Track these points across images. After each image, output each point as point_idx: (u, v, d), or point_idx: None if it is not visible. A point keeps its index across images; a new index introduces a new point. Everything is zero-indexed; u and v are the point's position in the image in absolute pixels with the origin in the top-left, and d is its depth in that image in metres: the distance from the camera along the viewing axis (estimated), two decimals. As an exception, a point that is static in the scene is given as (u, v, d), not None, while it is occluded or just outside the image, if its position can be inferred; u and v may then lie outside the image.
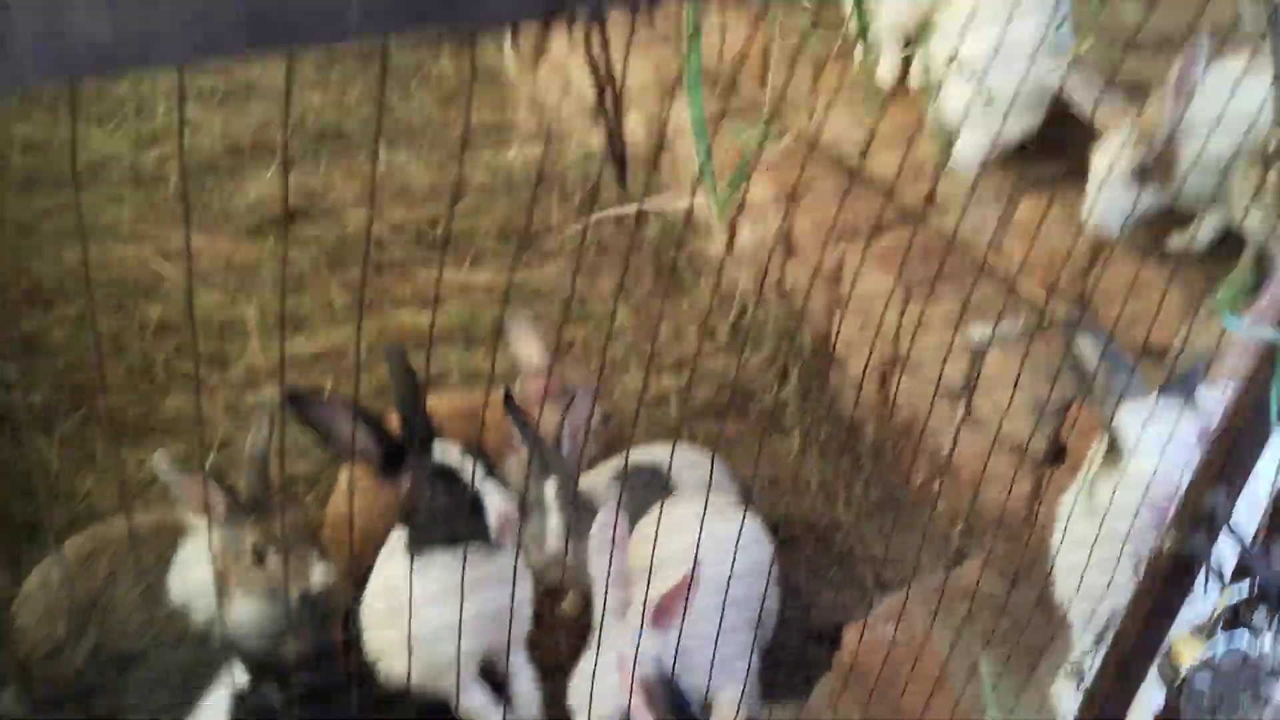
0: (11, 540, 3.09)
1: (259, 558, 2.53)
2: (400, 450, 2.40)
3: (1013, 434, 3.29)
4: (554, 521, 2.70)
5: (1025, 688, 2.25)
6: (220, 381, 3.77)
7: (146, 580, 2.61)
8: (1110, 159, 2.82)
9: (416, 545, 2.41)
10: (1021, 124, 3.39)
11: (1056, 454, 3.25)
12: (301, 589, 2.51)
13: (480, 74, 5.72)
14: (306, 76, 5.49)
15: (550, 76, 5.22)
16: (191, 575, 2.60)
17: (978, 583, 2.68)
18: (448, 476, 2.35)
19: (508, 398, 2.85)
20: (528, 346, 3.21)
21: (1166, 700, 1.80)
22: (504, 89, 5.59)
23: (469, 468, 2.33)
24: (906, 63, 3.81)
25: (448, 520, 2.35)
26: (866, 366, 3.71)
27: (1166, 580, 1.69)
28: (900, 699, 2.37)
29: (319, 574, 2.53)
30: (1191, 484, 1.64)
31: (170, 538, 2.64)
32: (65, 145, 4.85)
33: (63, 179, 4.60)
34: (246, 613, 2.57)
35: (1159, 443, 2.06)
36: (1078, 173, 3.29)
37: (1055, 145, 3.40)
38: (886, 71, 3.82)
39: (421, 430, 2.36)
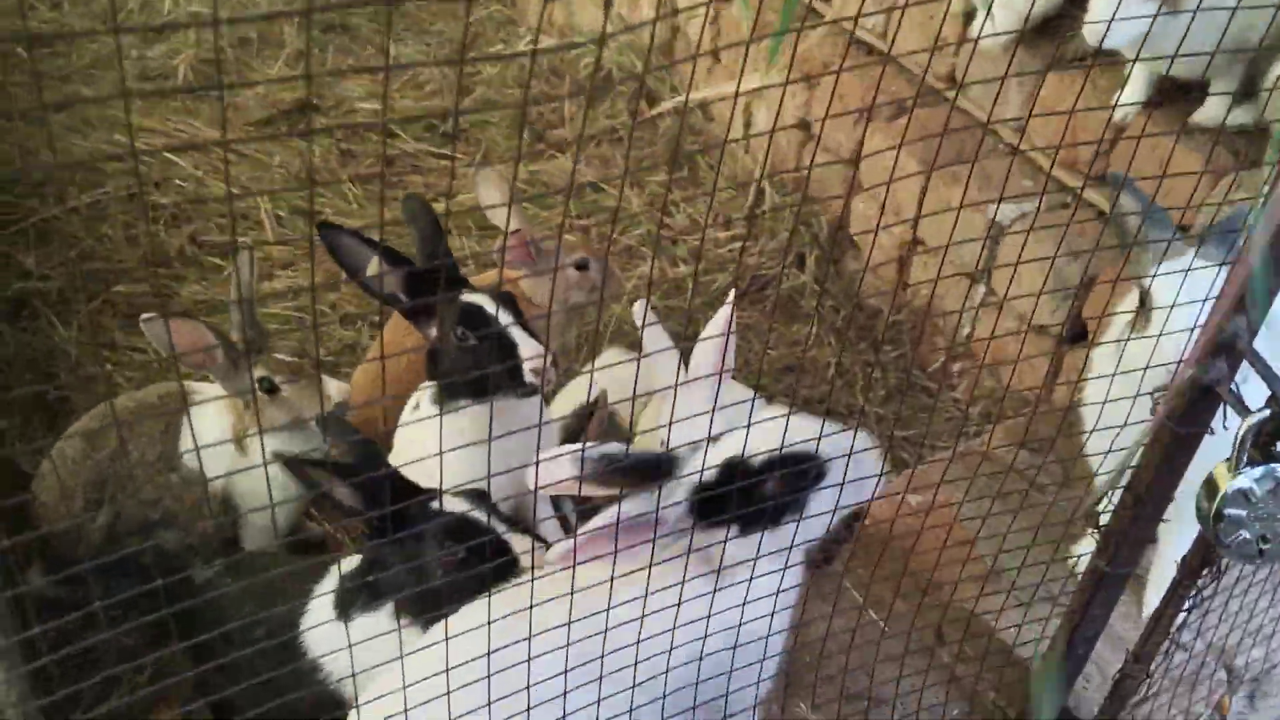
0: (35, 422, 3.11)
1: (269, 391, 2.52)
2: (429, 295, 2.33)
3: (1036, 315, 3.27)
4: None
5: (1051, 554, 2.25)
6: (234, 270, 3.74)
7: (157, 448, 2.61)
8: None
9: (446, 393, 2.38)
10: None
11: (1078, 333, 3.23)
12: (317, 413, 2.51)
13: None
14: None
15: (561, -34, 5.11)
16: (202, 435, 2.59)
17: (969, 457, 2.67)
18: (478, 319, 2.30)
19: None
20: (492, 199, 3.08)
21: (1196, 539, 1.80)
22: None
23: (499, 314, 2.30)
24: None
25: (478, 364, 2.30)
26: (866, 248, 3.67)
27: (1185, 411, 1.67)
28: (920, 561, 2.38)
29: (334, 390, 2.53)
30: (1212, 313, 1.62)
31: (176, 405, 2.64)
32: (73, 41, 4.79)
33: (69, 73, 4.55)
34: (269, 455, 2.55)
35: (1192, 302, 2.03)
36: (1104, 51, 3.22)
37: (1081, 23, 3.33)
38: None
39: (449, 272, 2.33)
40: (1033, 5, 3.26)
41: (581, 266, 3.17)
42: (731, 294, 2.43)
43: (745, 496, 1.78)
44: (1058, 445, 2.80)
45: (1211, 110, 3.09)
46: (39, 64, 4.48)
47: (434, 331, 2.39)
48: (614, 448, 1.81)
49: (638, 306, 2.45)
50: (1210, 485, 1.62)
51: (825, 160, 3.82)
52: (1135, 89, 3.11)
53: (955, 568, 2.30)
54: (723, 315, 2.40)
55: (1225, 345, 1.61)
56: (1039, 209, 3.30)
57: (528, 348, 2.30)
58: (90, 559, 2.57)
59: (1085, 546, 2.42)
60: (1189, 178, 2.86)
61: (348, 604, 2.24)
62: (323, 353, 3.47)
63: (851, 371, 3.58)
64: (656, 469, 1.82)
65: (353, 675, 2.07)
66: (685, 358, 2.44)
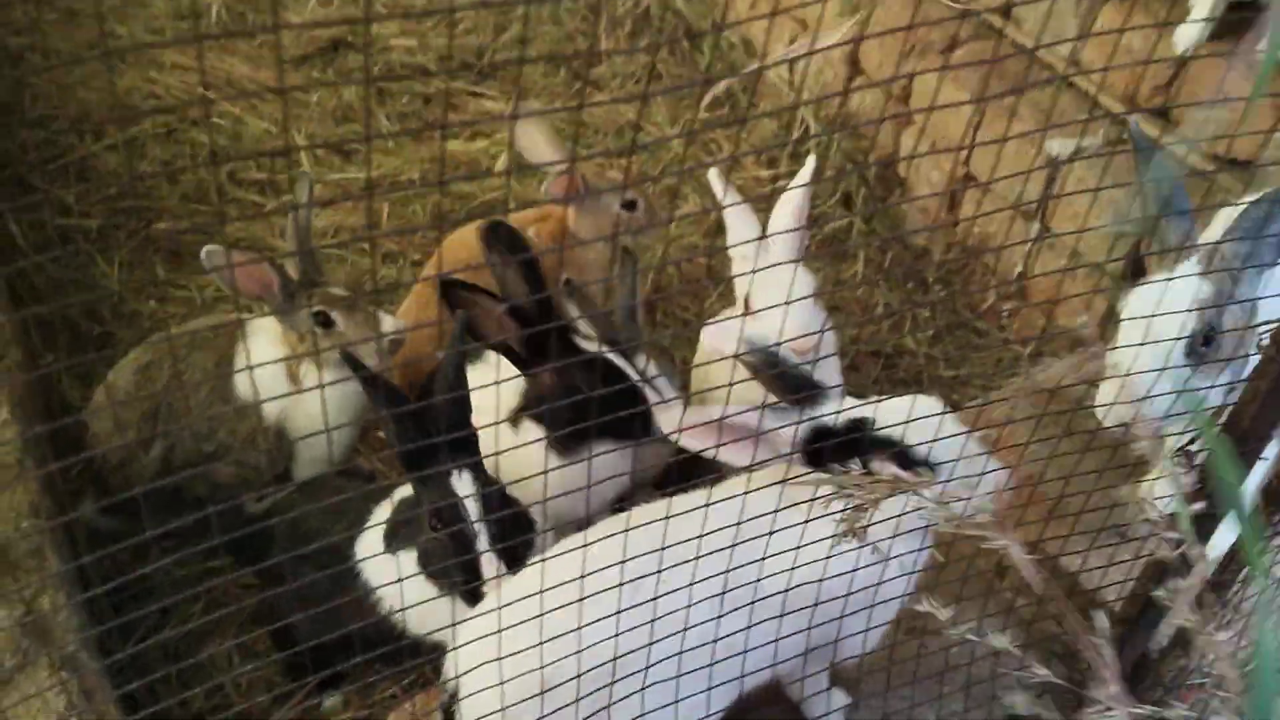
0: (81, 355, 3.10)
1: (325, 324, 2.50)
2: (540, 341, 2.26)
3: (1089, 252, 3.21)
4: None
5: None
6: (274, 206, 3.72)
7: (211, 380, 2.59)
8: None
9: (572, 438, 2.27)
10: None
11: (1137, 271, 3.15)
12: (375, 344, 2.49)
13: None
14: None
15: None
16: (256, 367, 2.58)
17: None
18: (612, 372, 2.26)
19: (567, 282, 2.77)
20: (535, 141, 3.04)
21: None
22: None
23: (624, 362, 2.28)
24: None
25: (607, 411, 2.12)
26: (915, 186, 3.61)
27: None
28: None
29: (389, 324, 2.51)
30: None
31: (230, 337, 2.62)
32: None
33: (104, 10, 4.49)
34: (324, 391, 2.52)
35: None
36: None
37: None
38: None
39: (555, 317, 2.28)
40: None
41: (628, 206, 3.13)
42: (811, 159, 2.43)
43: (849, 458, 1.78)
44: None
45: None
46: (73, 2, 4.43)
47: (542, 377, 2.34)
48: (781, 351, 1.87)
49: (714, 173, 2.50)
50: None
51: (875, 99, 3.75)
52: (1200, 10, 3.02)
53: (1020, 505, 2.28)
54: (806, 170, 2.43)
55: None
56: (1098, 143, 3.23)
57: (665, 394, 2.29)
58: (144, 490, 2.59)
59: (1161, 488, 2.39)
60: (1252, 111, 2.79)
61: (396, 537, 2.23)
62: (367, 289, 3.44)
63: (899, 312, 3.53)
64: (802, 390, 1.85)
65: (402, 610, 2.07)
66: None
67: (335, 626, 2.03)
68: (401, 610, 2.16)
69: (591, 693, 1.69)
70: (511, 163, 3.55)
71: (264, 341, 2.61)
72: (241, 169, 3.83)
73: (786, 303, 2.19)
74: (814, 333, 2.28)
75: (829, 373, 2.40)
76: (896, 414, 1.80)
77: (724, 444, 1.78)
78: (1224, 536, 2.23)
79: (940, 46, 3.58)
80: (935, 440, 1.79)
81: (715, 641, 1.73)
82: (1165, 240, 2.08)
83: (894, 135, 3.68)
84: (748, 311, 2.33)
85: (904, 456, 1.79)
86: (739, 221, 2.43)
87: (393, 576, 2.05)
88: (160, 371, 2.61)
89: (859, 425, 1.81)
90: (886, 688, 2.10)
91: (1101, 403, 2.06)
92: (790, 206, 2.43)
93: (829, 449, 1.79)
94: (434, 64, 4.43)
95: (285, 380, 2.60)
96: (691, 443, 1.80)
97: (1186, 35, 3.07)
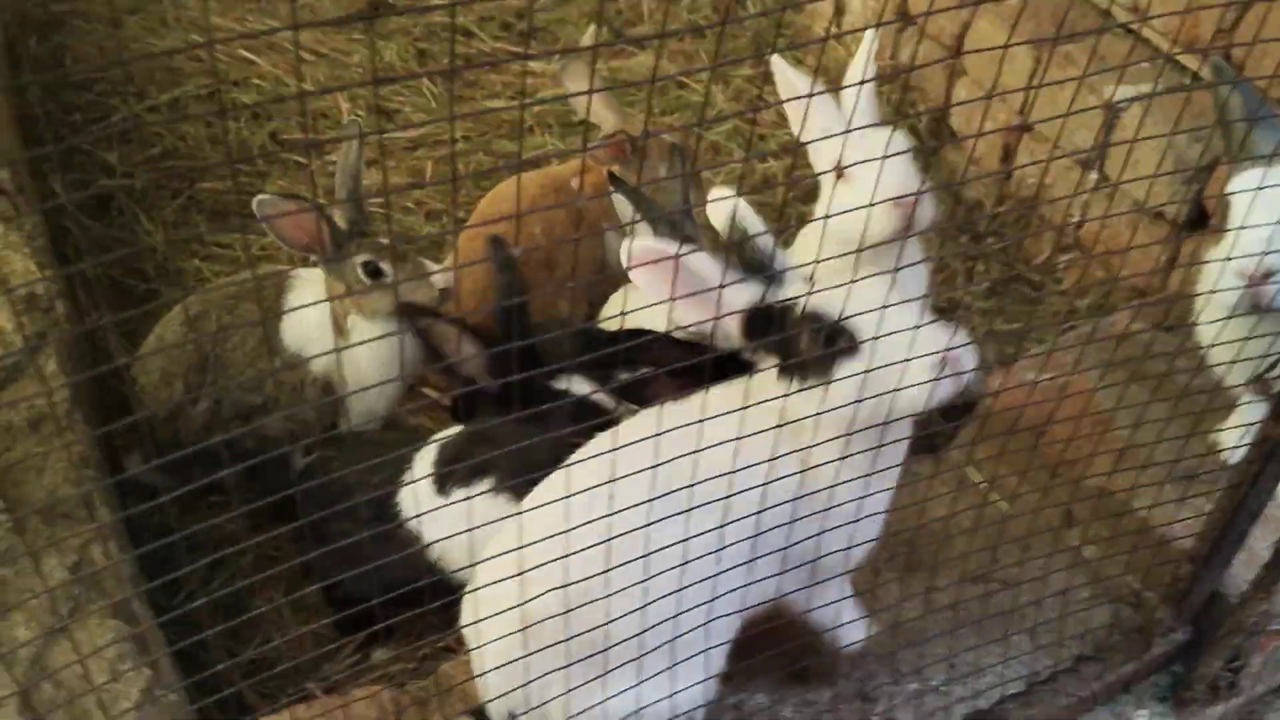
0: (126, 311, 3.09)
1: (373, 274, 2.47)
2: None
3: (1148, 200, 3.12)
4: None
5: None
6: (319, 166, 3.70)
7: (258, 332, 2.57)
8: None
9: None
10: None
11: (1199, 218, 3.07)
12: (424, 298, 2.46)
13: None
14: None
15: None
16: (304, 319, 2.55)
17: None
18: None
19: (611, 176, 2.73)
20: (578, 85, 2.97)
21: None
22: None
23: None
24: None
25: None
26: (969, 139, 3.52)
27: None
28: (1049, 445, 2.28)
29: (439, 277, 2.48)
30: None
31: (277, 288, 2.60)
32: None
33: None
34: (372, 343, 2.49)
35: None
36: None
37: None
38: None
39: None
40: None
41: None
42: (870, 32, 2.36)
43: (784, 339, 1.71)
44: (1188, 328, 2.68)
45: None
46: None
47: None
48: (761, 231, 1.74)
49: (778, 61, 2.41)
50: None
51: (927, 49, 3.66)
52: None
53: (1085, 448, 2.21)
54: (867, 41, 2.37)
55: None
56: (1158, 89, 3.13)
57: None
58: (192, 444, 2.57)
59: (1233, 426, 2.33)
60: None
61: (447, 480, 2.20)
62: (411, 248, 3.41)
63: (952, 266, 3.45)
64: (757, 269, 1.75)
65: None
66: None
67: (381, 582, 2.01)
68: (453, 555, 2.12)
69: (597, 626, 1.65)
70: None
71: (311, 293, 2.58)
72: (283, 128, 3.81)
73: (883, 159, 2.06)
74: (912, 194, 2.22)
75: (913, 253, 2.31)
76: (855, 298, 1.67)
77: (676, 297, 1.67)
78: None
79: (993, -5, 3.49)
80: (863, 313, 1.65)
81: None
82: (1255, 150, 2.02)
83: (946, 86, 3.59)
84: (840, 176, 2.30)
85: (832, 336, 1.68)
86: (817, 103, 2.34)
87: (445, 519, 2.02)
88: (208, 323, 2.59)
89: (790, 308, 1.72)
90: (950, 633, 2.05)
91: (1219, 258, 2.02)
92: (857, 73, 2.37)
93: (758, 326, 1.72)
94: (475, 25, 4.39)
95: (332, 332, 2.57)
96: (642, 281, 1.69)
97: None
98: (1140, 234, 3.11)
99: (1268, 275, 2.00)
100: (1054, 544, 2.25)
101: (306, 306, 2.54)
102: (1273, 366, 1.85)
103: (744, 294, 1.72)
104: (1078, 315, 3.21)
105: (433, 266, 2.54)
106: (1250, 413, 2.24)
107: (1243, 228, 2.00)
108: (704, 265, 1.66)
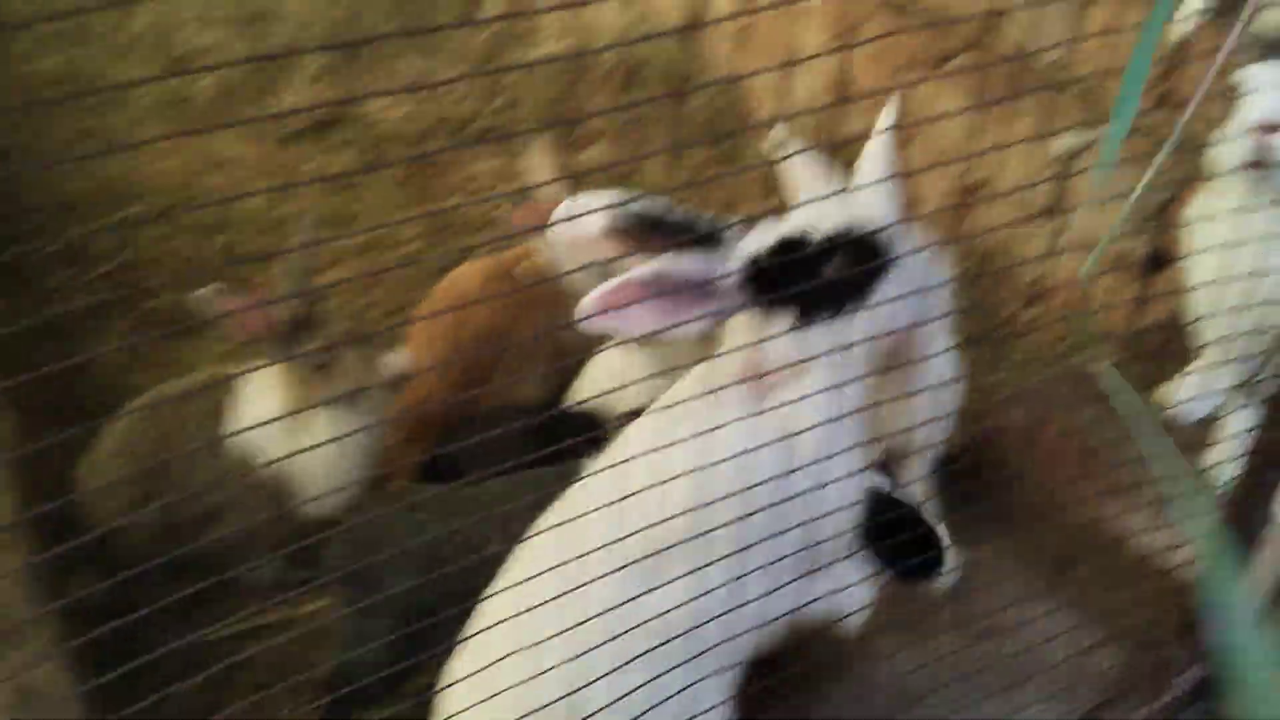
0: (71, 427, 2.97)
1: (325, 364, 2.38)
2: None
3: (1114, 248, 3.11)
4: None
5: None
6: (268, 277, 3.64)
7: (205, 433, 2.47)
8: None
9: None
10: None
11: (1159, 261, 3.06)
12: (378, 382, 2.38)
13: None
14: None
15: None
16: (253, 415, 2.45)
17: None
18: None
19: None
20: (540, 171, 2.96)
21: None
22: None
23: None
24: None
25: None
26: (923, 200, 3.52)
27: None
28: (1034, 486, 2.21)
29: (394, 359, 2.39)
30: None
31: (224, 387, 2.51)
32: (90, 75, 4.74)
33: (86, 105, 4.49)
34: (328, 433, 2.40)
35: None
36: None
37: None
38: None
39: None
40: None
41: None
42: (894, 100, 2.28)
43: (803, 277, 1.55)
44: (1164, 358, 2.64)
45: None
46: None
47: None
48: (657, 203, 1.60)
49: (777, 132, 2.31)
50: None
51: (869, 118, 3.68)
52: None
53: (1073, 488, 2.14)
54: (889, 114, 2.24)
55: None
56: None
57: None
58: (140, 555, 2.44)
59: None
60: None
61: None
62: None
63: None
64: (704, 236, 1.59)
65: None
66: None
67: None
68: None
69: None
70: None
71: (260, 391, 2.49)
72: (237, 240, 3.76)
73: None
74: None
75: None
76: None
77: (646, 304, 1.51)
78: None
79: (932, 64, 3.54)
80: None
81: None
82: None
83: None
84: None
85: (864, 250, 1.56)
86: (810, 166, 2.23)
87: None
88: (154, 426, 2.49)
89: (794, 243, 1.59)
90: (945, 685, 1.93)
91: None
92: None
93: (775, 275, 1.56)
94: (427, 130, 4.42)
95: (284, 429, 2.48)
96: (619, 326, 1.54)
97: (1181, 25, 3.02)
98: (1105, 284, 3.10)
99: (1274, 128, 2.13)
100: (1049, 588, 2.15)
101: (258, 404, 2.45)
102: (1260, 372, 1.80)
103: (711, 260, 1.56)
104: (1048, 361, 3.17)
105: (389, 354, 2.47)
106: (1237, 422, 2.18)
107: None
108: (672, 263, 1.53)
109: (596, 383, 2.63)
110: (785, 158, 2.37)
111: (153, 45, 5.01)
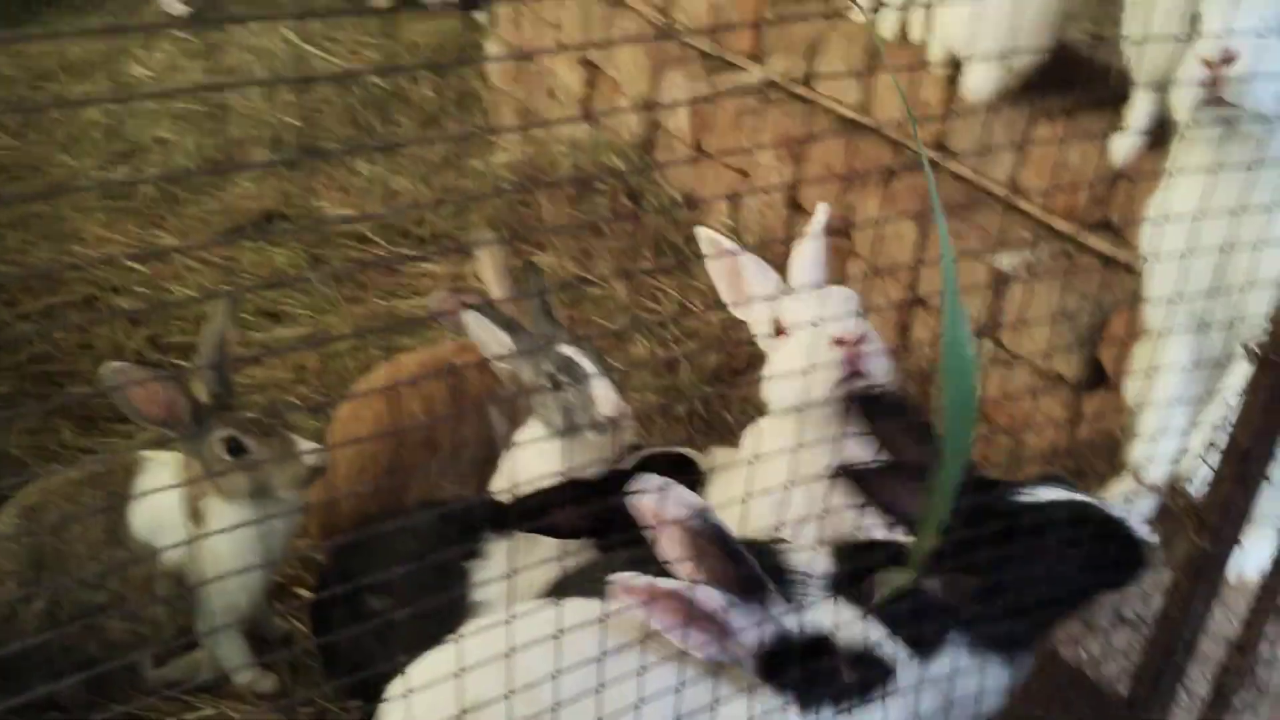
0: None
1: (236, 451, 2.26)
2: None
3: (1048, 368, 3.09)
4: (599, 383, 2.37)
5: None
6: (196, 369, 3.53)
7: (101, 522, 2.33)
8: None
9: None
10: (1031, 48, 3.25)
11: (1095, 378, 3.03)
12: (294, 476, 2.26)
13: (463, 97, 5.64)
14: (282, 99, 5.37)
15: (534, 81, 5.11)
16: (155, 504, 2.31)
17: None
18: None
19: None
20: (490, 273, 2.93)
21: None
22: (486, 107, 5.51)
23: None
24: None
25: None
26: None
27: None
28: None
29: (309, 454, 2.27)
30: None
31: (125, 474, 2.38)
32: (31, 167, 4.70)
33: (31, 197, 4.43)
34: (233, 523, 2.27)
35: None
36: (1091, 105, 3.17)
37: (1063, 80, 3.27)
38: (885, 23, 3.72)
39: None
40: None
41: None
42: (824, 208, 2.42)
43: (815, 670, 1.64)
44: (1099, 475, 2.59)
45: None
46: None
47: None
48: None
49: (703, 233, 2.42)
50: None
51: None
52: (1137, 121, 3.01)
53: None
54: (818, 219, 2.40)
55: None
56: (1045, 256, 3.16)
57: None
58: (25, 648, 2.28)
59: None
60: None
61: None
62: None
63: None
64: (749, 582, 1.63)
65: None
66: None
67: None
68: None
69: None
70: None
71: (164, 476, 2.37)
72: (164, 333, 3.66)
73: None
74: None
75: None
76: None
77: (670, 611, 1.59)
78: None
79: (876, 180, 3.56)
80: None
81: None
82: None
83: (838, 265, 3.60)
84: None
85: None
86: (754, 266, 2.37)
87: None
88: (46, 516, 2.34)
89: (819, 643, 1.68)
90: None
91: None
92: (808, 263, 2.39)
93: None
94: (372, 232, 4.37)
95: (186, 518, 2.35)
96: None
97: (1122, 147, 3.06)
98: (1044, 404, 3.07)
99: (1228, 60, 2.02)
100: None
101: (159, 490, 2.32)
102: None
103: (753, 629, 1.61)
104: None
105: (304, 444, 2.36)
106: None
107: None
108: (711, 598, 1.58)
109: (513, 474, 2.54)
110: (716, 255, 2.38)
111: (105, 134, 4.99)
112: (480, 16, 6.32)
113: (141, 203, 4.43)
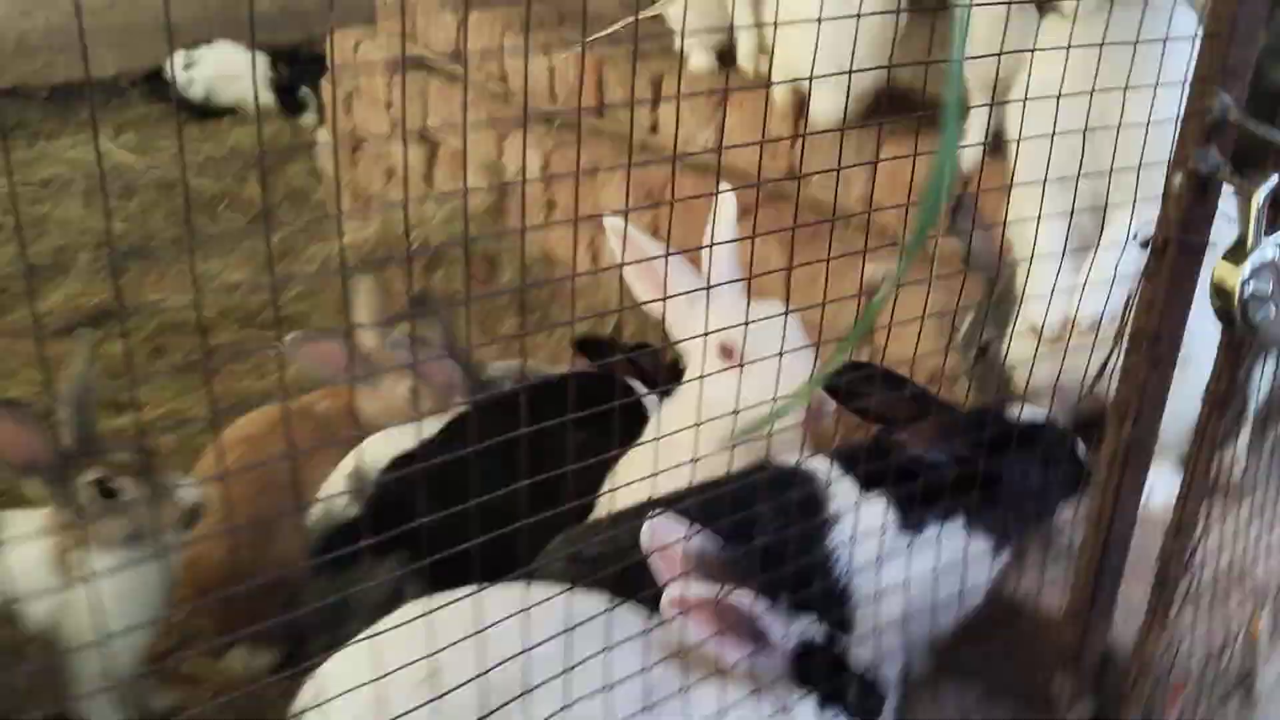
0: None
1: (107, 493, 2.06)
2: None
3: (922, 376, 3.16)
4: None
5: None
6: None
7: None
8: None
9: None
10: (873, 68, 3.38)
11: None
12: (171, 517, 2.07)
13: (293, 193, 5.54)
14: (104, 206, 5.17)
15: (371, 164, 5.06)
16: (16, 560, 2.08)
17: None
18: None
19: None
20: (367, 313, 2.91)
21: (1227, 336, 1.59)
22: (321, 199, 5.42)
23: None
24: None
25: None
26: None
27: (1185, 217, 1.54)
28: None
29: (187, 493, 2.09)
30: (1190, 97, 1.52)
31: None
32: None
33: None
34: (109, 579, 2.05)
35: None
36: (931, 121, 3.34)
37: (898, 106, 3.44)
38: (702, 61, 3.87)
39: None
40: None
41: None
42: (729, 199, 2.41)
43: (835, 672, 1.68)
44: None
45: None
46: None
47: None
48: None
49: (610, 222, 2.30)
50: (1220, 284, 1.46)
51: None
52: (975, 134, 3.19)
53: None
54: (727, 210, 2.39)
55: (1215, 125, 1.51)
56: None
57: None
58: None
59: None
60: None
61: None
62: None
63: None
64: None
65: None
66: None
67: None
68: None
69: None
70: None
71: (23, 528, 2.14)
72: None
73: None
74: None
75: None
76: None
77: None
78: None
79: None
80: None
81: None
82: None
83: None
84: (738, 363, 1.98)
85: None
86: (675, 266, 2.24)
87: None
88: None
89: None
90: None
91: None
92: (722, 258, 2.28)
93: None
94: (217, 319, 4.19)
95: (54, 573, 2.12)
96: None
97: (968, 157, 3.23)
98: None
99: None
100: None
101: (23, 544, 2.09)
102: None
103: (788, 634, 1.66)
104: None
105: (180, 480, 2.18)
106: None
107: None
108: (751, 603, 1.61)
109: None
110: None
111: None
112: (307, 119, 6.27)
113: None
